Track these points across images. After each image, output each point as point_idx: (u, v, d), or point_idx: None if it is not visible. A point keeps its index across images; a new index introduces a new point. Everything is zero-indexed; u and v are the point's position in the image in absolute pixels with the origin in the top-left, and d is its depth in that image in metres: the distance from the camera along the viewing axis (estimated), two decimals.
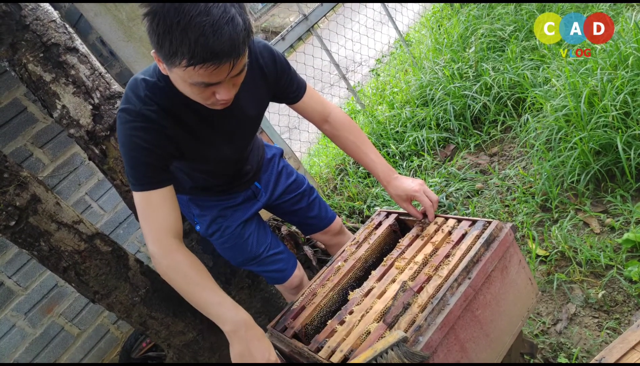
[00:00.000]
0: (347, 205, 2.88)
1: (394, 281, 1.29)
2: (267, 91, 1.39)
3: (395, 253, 1.40)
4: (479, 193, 2.40)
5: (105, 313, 2.59)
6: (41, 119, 2.36)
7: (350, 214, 2.85)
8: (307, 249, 2.42)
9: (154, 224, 1.19)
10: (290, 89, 1.43)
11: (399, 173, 2.66)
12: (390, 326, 1.14)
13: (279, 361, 1.18)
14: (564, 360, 1.52)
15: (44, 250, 1.71)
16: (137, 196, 1.21)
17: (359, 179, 3.02)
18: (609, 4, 2.69)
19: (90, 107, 1.62)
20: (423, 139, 2.88)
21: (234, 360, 1.18)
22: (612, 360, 0.97)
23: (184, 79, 1.03)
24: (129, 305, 1.91)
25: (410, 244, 1.39)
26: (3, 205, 1.62)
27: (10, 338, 2.32)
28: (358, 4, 4.13)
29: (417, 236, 1.42)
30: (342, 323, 1.25)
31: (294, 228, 2.52)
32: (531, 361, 1.52)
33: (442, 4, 4.20)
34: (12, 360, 2.32)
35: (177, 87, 1.12)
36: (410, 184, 1.45)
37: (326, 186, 3.21)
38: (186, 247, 1.23)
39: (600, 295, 1.64)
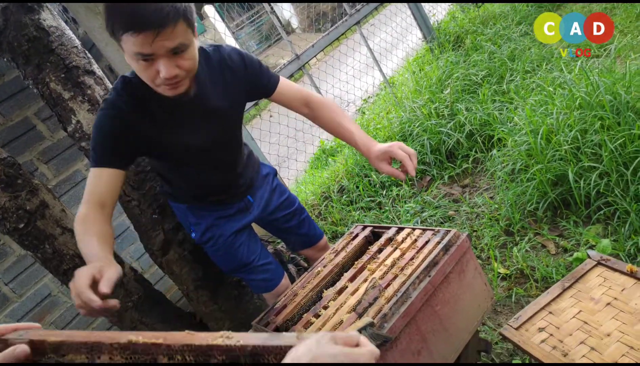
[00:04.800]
0: (330, 229, 3.06)
1: (365, 280, 1.47)
2: (240, 89, 1.55)
3: (365, 257, 1.58)
4: (451, 219, 2.61)
5: (95, 324, 2.69)
6: (48, 137, 2.54)
7: (333, 238, 3.02)
8: (291, 267, 2.58)
9: (92, 194, 1.36)
10: (262, 82, 1.59)
11: (379, 201, 2.86)
12: (360, 316, 1.31)
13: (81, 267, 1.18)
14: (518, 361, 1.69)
15: (47, 252, 1.85)
16: (91, 172, 1.39)
17: (342, 206, 3.21)
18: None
19: None
20: None
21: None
22: (525, 318, 1.16)
23: (127, 52, 1.22)
24: (122, 309, 2.03)
25: (381, 250, 1.58)
26: (14, 208, 1.78)
27: None
28: (347, 49, 4.46)
29: (387, 243, 1.60)
30: (317, 316, 1.42)
31: (279, 246, 2.69)
32: (486, 360, 1.68)
33: (423, 50, 4.55)
34: None
35: (131, 66, 1.28)
36: (386, 144, 1.53)
37: (311, 211, 3.40)
38: (105, 216, 1.36)
39: None
